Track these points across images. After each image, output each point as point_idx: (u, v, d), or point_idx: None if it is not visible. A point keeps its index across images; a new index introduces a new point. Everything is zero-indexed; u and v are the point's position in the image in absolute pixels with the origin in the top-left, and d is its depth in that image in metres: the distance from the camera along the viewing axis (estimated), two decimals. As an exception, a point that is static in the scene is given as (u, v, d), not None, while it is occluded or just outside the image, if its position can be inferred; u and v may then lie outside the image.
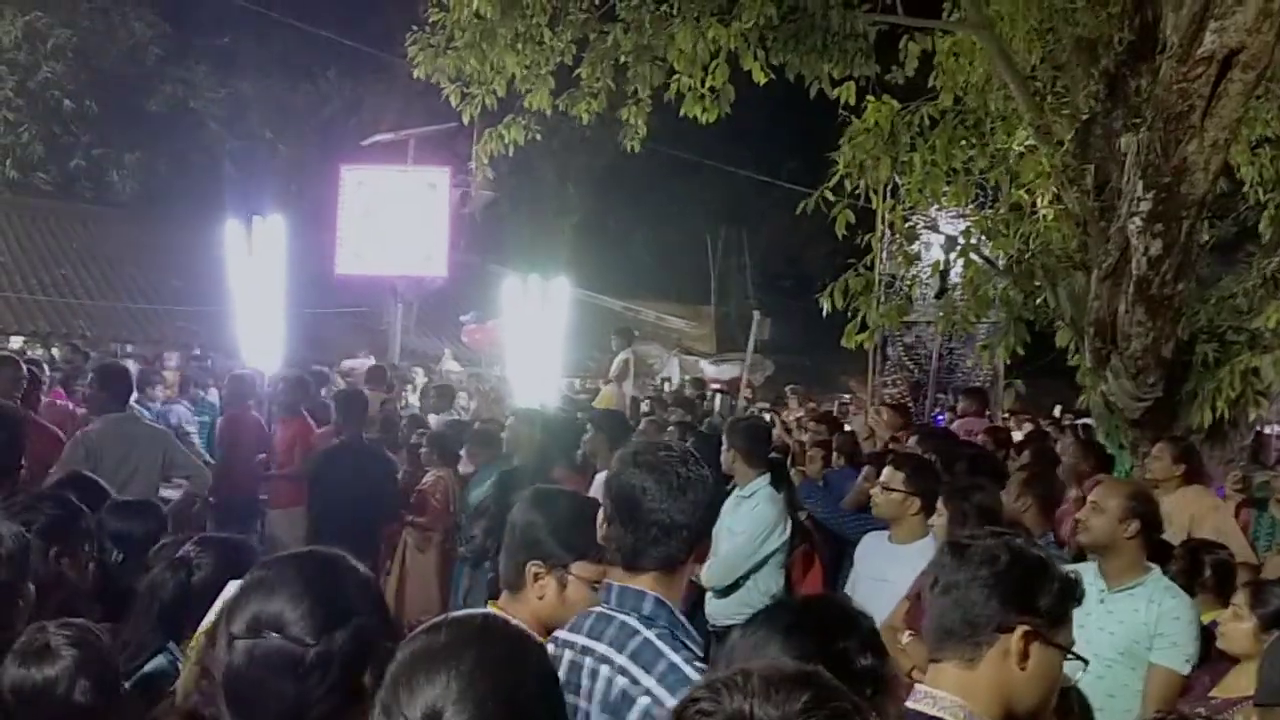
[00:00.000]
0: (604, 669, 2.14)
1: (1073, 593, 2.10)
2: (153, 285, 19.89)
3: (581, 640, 2.21)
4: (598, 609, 2.29)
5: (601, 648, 2.16)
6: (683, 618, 2.22)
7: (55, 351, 14.69)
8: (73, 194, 23.99)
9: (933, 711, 1.94)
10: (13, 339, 16.34)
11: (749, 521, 5.66)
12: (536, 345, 11.55)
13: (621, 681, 2.11)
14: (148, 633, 2.88)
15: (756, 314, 16.88)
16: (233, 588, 2.42)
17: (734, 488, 5.87)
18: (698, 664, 2.09)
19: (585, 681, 2.14)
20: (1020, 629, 2.00)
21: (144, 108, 25.02)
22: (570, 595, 2.49)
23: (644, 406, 11.52)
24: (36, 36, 23.61)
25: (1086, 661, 2.14)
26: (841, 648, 1.72)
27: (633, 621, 2.17)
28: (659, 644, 2.12)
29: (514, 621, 1.64)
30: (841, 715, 1.18)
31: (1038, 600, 2.04)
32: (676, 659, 2.09)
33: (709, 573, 5.57)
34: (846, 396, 15.90)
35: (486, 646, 1.50)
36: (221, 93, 25.99)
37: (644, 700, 2.06)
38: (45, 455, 5.55)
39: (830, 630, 1.75)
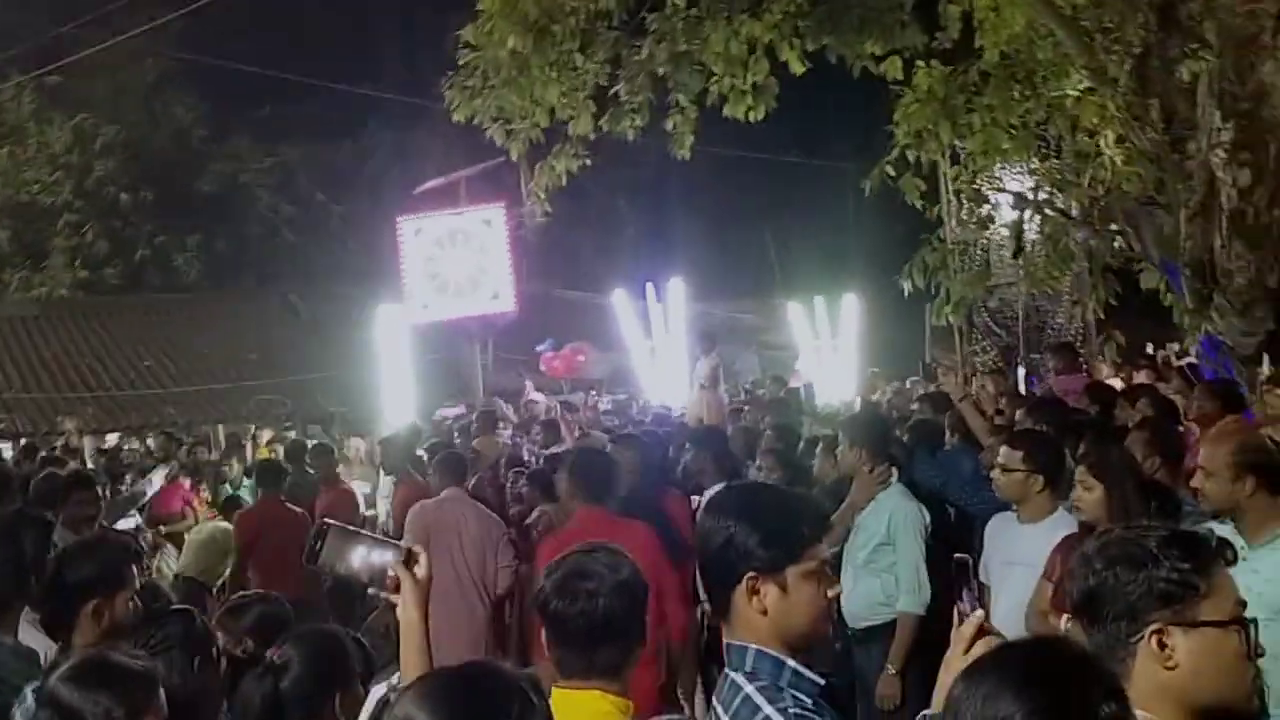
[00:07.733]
0: None
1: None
2: (231, 362, 20.20)
3: (719, 705, 2.24)
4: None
5: (720, 709, 2.20)
6: (794, 664, 2.18)
7: (150, 442, 14.94)
8: (141, 284, 24.56)
9: None
10: (108, 437, 16.67)
11: (897, 522, 5.28)
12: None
13: None
14: None
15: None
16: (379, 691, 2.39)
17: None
18: (795, 711, 2.09)
19: None
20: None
21: (197, 189, 25.56)
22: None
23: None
24: (85, 137, 24.25)
25: None
26: (1083, 697, 1.60)
27: (739, 678, 2.19)
28: (757, 698, 2.14)
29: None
30: None
31: None
32: (770, 710, 2.10)
33: (911, 600, 5.18)
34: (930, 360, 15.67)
35: None
36: (268, 162, 26.46)
37: None
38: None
39: (1070, 679, 1.63)
